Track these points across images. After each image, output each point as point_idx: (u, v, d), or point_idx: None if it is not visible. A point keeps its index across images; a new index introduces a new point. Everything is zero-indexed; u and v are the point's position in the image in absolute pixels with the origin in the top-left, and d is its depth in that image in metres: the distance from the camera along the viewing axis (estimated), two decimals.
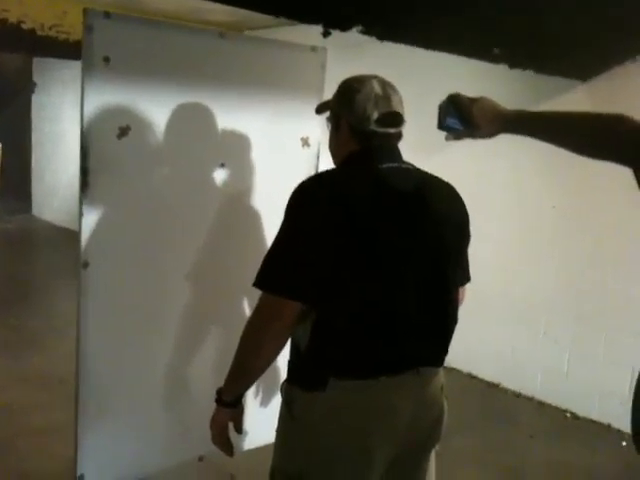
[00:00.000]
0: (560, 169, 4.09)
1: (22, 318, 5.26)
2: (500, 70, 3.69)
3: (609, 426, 3.99)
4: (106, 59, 2.00)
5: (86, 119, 2.01)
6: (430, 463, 1.87)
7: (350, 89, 1.76)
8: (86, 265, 2.11)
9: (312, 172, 2.59)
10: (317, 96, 2.54)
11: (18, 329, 5.01)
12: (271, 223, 2.46)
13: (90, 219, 2.10)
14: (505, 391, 4.44)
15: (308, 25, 2.62)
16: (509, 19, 2.99)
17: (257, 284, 1.59)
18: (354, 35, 2.79)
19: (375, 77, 1.77)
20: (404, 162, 1.77)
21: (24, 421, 3.50)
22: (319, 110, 1.94)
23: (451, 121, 1.69)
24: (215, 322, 2.51)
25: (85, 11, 2.00)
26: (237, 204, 2.43)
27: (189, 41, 2.24)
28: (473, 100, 1.68)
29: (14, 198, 9.48)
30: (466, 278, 1.90)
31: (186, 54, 2.22)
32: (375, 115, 1.71)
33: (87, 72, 1.98)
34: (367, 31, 2.80)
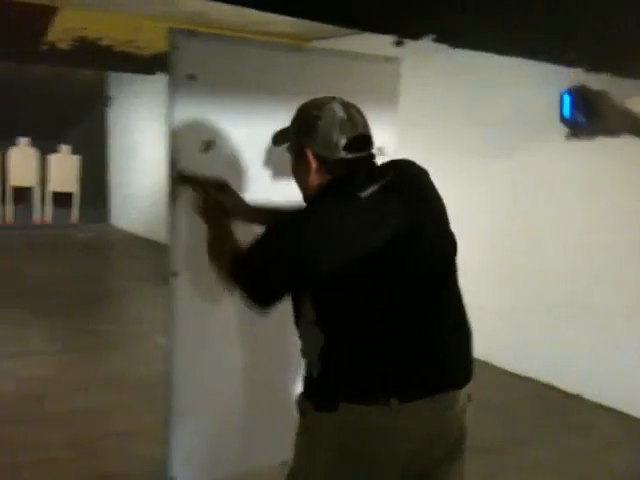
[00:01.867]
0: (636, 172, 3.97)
1: (102, 323, 5.48)
2: (573, 74, 3.62)
3: None
4: (191, 76, 2.08)
5: (173, 134, 2.10)
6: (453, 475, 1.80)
7: (310, 116, 1.66)
8: (176, 274, 2.20)
9: None
10: (392, 106, 2.57)
11: (99, 333, 5.21)
12: None
13: (178, 230, 2.18)
14: (585, 402, 4.32)
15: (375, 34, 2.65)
16: (586, 21, 2.94)
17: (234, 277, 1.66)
18: (425, 43, 2.81)
19: (334, 99, 1.68)
20: (384, 173, 1.66)
21: (107, 423, 3.64)
22: (276, 141, 1.82)
23: (577, 114, 1.51)
24: None
25: (170, 30, 2.08)
26: None
27: (268, 56, 2.31)
28: (599, 94, 1.53)
29: (92, 208, 9.87)
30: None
31: (265, 69, 2.30)
32: (343, 141, 1.61)
33: (173, 89, 2.08)
34: (440, 39, 2.81)
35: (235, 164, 2.24)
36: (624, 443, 3.82)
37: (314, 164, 1.65)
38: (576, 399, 4.33)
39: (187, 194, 2.16)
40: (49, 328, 5.19)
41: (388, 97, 2.56)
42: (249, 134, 2.26)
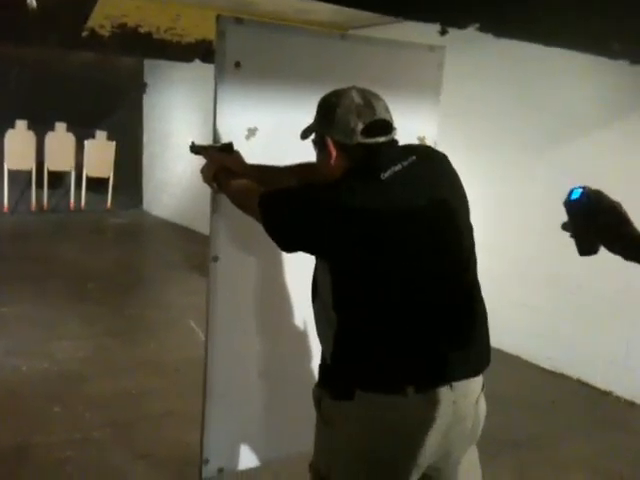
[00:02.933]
0: None
1: (137, 308, 5.55)
2: (617, 66, 3.55)
3: None
4: (237, 64, 2.09)
5: (218, 121, 2.11)
6: (467, 464, 1.80)
7: (329, 105, 1.69)
8: (216, 259, 2.22)
9: None
10: (435, 95, 2.55)
11: (134, 318, 5.29)
12: None
13: (220, 215, 2.20)
14: (618, 399, 4.27)
15: (414, 22, 2.63)
16: (631, 12, 2.88)
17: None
18: (468, 32, 2.78)
19: (353, 88, 1.69)
20: (406, 155, 1.67)
21: (143, 406, 3.70)
22: (303, 135, 1.83)
23: (580, 206, 1.33)
24: None
25: (218, 17, 2.09)
26: None
27: (312, 44, 2.31)
28: (613, 202, 1.32)
29: (126, 194, 9.99)
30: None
31: (309, 57, 2.30)
32: (360, 126, 1.63)
33: (219, 76, 2.09)
34: (484, 28, 2.78)
35: (277, 152, 2.25)
36: None
37: (334, 151, 1.67)
38: (609, 396, 4.28)
39: None
40: (86, 312, 5.27)
41: (431, 86, 2.54)
42: (292, 122, 2.25)
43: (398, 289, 1.60)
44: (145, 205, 10.35)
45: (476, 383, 1.71)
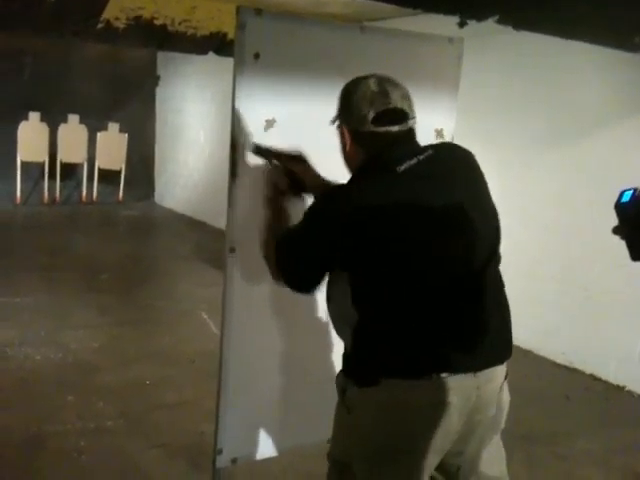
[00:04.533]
0: None
1: (151, 299, 5.58)
2: (636, 61, 3.53)
3: None
4: (256, 55, 2.09)
5: (236, 112, 2.11)
6: (490, 452, 1.81)
7: (346, 92, 1.69)
8: (232, 250, 2.22)
9: None
10: (453, 87, 2.53)
11: (148, 309, 5.31)
12: None
13: (237, 207, 2.20)
14: (631, 394, 4.25)
15: (432, 14, 2.62)
16: None
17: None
18: (485, 24, 2.77)
19: (374, 75, 1.67)
20: (424, 150, 1.65)
21: (157, 396, 3.71)
22: (332, 122, 1.81)
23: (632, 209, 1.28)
24: None
25: (238, 9, 2.09)
26: None
27: (331, 36, 2.30)
28: None
29: (138, 186, 10.01)
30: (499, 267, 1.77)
31: (328, 49, 2.28)
32: (371, 114, 1.60)
33: (239, 67, 2.08)
34: (503, 20, 2.77)
35: (295, 143, 2.24)
36: None
37: (348, 139, 1.68)
38: (622, 391, 4.27)
39: (248, 171, 2.17)
40: (98, 303, 5.29)
41: (449, 78, 2.53)
42: (310, 114, 2.25)
43: (418, 281, 1.60)
44: (157, 197, 10.37)
45: (500, 371, 1.72)
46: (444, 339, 1.62)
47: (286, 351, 2.42)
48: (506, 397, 1.78)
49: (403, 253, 1.57)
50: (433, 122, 2.57)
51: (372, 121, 1.61)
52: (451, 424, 1.63)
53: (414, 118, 1.67)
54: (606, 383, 4.36)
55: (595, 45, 3.25)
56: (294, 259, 1.69)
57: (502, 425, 1.81)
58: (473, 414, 1.67)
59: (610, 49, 3.37)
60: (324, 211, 1.65)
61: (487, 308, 1.67)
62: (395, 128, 1.62)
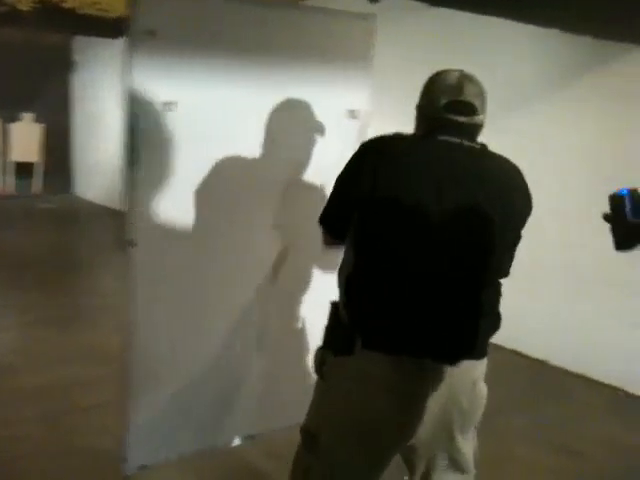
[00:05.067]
0: (634, 139, 3.92)
1: (71, 295, 5.35)
2: (554, 35, 3.53)
3: None
4: (151, 32, 1.95)
5: (131, 94, 1.97)
6: (461, 445, 1.84)
7: (429, 81, 1.80)
8: (133, 243, 2.09)
9: None
10: (366, 66, 2.46)
11: (67, 306, 5.07)
12: (317, 197, 2.41)
13: (137, 197, 2.06)
14: (554, 369, 4.33)
15: None
16: None
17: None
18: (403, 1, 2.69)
19: (458, 70, 1.77)
20: (474, 142, 1.73)
21: (74, 397, 3.53)
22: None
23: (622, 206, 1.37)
24: (261, 303, 2.46)
25: None
26: (286, 179, 2.37)
27: (237, 14, 2.17)
28: None
29: (56, 178, 9.62)
30: (503, 273, 1.81)
31: (234, 26, 2.16)
32: (442, 102, 1.70)
33: (132, 46, 1.94)
34: None
35: (198, 127, 2.12)
36: (598, 409, 3.84)
37: (417, 121, 1.81)
38: (544, 365, 4.34)
39: (147, 160, 2.04)
40: (17, 301, 5.06)
41: (363, 57, 2.45)
42: (218, 96, 2.14)
43: (409, 244, 1.64)
44: (76, 189, 9.98)
45: (474, 365, 1.76)
46: (425, 319, 1.65)
47: (198, 347, 2.31)
48: (482, 392, 1.83)
49: (405, 207, 1.62)
50: (346, 102, 2.49)
51: (442, 108, 1.70)
52: (417, 407, 1.66)
53: (482, 115, 1.75)
54: (529, 358, 4.42)
55: (518, 22, 3.22)
56: (332, 200, 1.77)
57: (475, 420, 1.85)
58: (445, 401, 1.70)
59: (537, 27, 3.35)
60: (360, 147, 1.75)
61: (466, 305, 1.70)
62: (462, 119, 1.70)
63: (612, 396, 4.02)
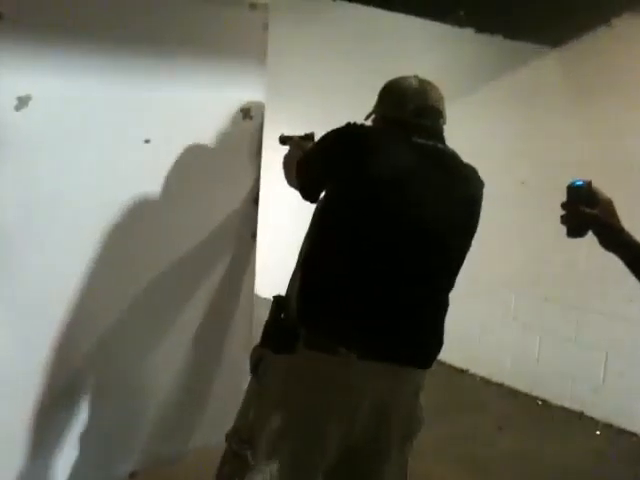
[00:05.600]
0: (531, 144, 3.89)
1: None
2: (466, 35, 3.44)
3: (582, 414, 3.81)
4: None
5: None
6: (396, 458, 1.78)
7: (388, 87, 1.85)
8: None
9: (255, 147, 2.30)
10: (259, 60, 2.24)
11: None
12: (203, 206, 2.17)
13: None
14: (474, 377, 4.24)
15: None
16: None
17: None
18: None
19: (414, 76, 1.82)
20: (444, 144, 1.78)
21: None
22: (367, 117, 1.91)
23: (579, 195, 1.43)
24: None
25: None
26: (163, 185, 2.11)
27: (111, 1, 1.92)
28: (602, 198, 1.43)
29: None
30: (454, 282, 1.81)
31: (102, 11, 1.90)
32: (410, 107, 1.75)
33: None
34: None
35: (58, 122, 1.86)
36: (513, 418, 3.77)
37: (379, 125, 1.83)
38: (464, 374, 4.25)
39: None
40: None
41: (254, 51, 2.22)
42: (83, 89, 1.88)
43: (369, 236, 1.64)
44: None
45: (420, 375, 1.76)
46: (371, 318, 1.64)
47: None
48: (421, 405, 1.80)
49: (373, 195, 1.64)
50: (239, 100, 2.26)
51: (410, 112, 1.75)
52: (356, 407, 1.65)
53: (444, 119, 1.81)
54: (450, 367, 4.32)
55: (417, 17, 3.09)
56: (308, 166, 1.85)
57: (413, 432, 1.81)
58: (384, 406, 1.69)
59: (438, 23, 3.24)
60: (338, 129, 1.75)
61: (423, 308, 1.71)
62: (428, 122, 1.76)
63: (531, 406, 3.95)
